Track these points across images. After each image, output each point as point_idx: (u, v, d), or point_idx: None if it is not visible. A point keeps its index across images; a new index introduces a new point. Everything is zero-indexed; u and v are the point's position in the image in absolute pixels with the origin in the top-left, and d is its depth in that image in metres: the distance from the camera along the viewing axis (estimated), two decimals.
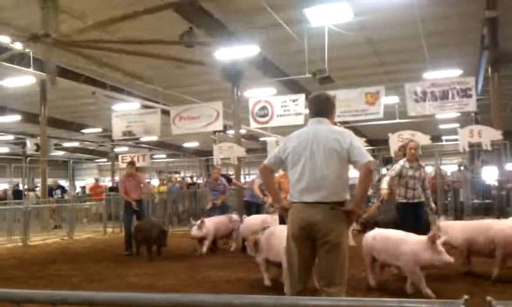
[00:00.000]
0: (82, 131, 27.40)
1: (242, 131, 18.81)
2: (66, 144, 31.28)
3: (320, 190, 3.84)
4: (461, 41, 14.75)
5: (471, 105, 14.16)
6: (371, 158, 3.87)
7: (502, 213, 14.20)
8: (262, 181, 7.41)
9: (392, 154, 14.49)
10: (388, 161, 13.73)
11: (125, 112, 18.40)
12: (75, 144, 32.33)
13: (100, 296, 2.13)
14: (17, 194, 19.93)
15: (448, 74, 15.57)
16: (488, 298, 1.80)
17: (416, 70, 16.12)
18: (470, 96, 14.01)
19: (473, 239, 6.58)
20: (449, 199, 15.59)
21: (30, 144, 22.49)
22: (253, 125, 16.66)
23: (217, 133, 21.36)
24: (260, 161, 8.55)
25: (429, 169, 19.09)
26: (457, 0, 12.12)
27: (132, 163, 11.49)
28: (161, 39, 9.70)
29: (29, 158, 20.36)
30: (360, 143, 3.95)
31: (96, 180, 23.96)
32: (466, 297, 1.80)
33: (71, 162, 24.77)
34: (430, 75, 15.76)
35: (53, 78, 9.92)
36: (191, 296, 2.19)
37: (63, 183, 22.97)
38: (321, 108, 4.13)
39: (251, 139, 26.59)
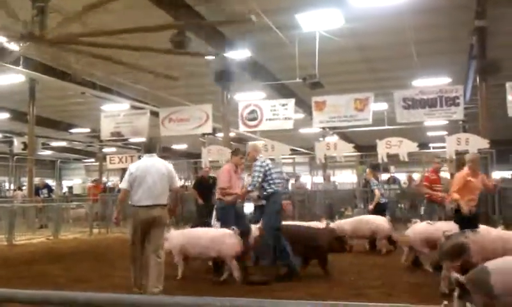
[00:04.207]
0: (71, 131, 27.23)
1: (232, 134, 18.78)
2: (54, 144, 31.05)
3: (157, 197, 6.26)
4: (450, 50, 14.86)
5: (459, 113, 14.27)
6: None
7: (487, 221, 14.32)
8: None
9: (380, 160, 14.60)
10: (375, 167, 13.76)
11: (114, 113, 18.28)
12: (63, 143, 32.09)
13: (82, 296, 2.11)
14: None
15: (437, 82, 15.69)
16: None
17: (405, 77, 16.22)
18: (458, 104, 14.12)
19: None
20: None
21: (17, 143, 22.35)
22: (242, 129, 16.64)
23: (206, 136, 21.30)
24: (249, 164, 8.51)
25: (416, 176, 19.27)
26: (447, 9, 12.21)
27: (240, 151, 8.34)
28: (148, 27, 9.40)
29: (16, 157, 20.21)
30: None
31: (96, 180, 23.62)
32: (445, 302, 1.81)
33: (58, 161, 24.57)
34: (419, 82, 15.87)
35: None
36: (171, 298, 2.18)
37: (50, 182, 22.79)
38: (152, 147, 6.59)
39: (240, 142, 26.56)
